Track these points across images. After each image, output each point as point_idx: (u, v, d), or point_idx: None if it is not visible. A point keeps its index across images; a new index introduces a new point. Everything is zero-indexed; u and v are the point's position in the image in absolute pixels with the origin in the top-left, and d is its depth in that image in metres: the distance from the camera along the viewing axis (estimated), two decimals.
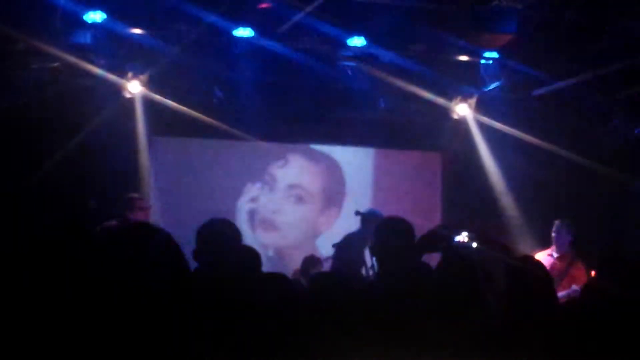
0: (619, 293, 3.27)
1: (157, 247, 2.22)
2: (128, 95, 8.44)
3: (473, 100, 9.18)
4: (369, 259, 7.47)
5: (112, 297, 2.15)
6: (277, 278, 4.02)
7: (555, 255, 7.21)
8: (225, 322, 3.59)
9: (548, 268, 6.74)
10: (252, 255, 4.46)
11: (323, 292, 4.31)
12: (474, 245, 3.83)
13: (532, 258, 4.08)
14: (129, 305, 2.14)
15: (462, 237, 3.79)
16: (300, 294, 3.84)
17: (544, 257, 7.02)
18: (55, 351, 2.13)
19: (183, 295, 2.21)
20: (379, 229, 3.81)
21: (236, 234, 4.06)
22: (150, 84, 8.40)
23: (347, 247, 7.62)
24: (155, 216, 8.85)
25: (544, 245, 7.59)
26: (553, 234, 7.24)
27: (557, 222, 7.28)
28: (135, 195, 6.58)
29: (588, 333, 3.18)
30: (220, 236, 4.00)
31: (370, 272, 6.83)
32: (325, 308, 4.24)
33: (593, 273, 4.78)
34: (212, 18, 7.41)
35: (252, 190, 9.76)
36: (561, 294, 6.31)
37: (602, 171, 9.08)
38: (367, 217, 7.71)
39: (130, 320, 2.13)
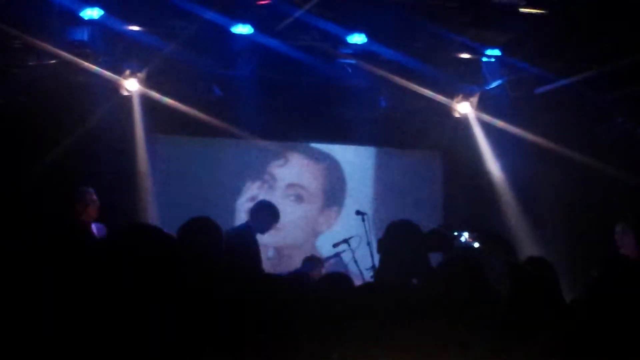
0: (622, 293, 3.24)
1: (155, 247, 2.20)
2: (125, 93, 8.40)
3: (475, 99, 9.14)
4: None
5: (109, 295, 2.12)
6: (276, 279, 3.98)
7: None
8: (227, 321, 3.53)
9: None
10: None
11: (329, 292, 4.28)
12: (477, 245, 3.77)
13: (539, 259, 4.02)
14: (126, 303, 2.12)
15: (465, 237, 3.72)
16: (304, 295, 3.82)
17: None
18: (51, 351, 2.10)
19: (180, 292, 2.19)
20: (389, 230, 3.76)
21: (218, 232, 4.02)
22: (148, 81, 8.37)
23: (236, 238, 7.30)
24: (153, 214, 8.83)
25: (543, 244, 7.50)
26: (616, 239, 6.12)
27: (617, 227, 6.13)
28: (87, 188, 6.82)
29: (593, 333, 3.14)
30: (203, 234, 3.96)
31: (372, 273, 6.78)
32: (329, 307, 4.20)
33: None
34: (210, 15, 7.36)
35: (252, 189, 9.70)
36: None
37: (605, 170, 9.02)
38: (254, 208, 7.51)
39: (128, 319, 2.10)
